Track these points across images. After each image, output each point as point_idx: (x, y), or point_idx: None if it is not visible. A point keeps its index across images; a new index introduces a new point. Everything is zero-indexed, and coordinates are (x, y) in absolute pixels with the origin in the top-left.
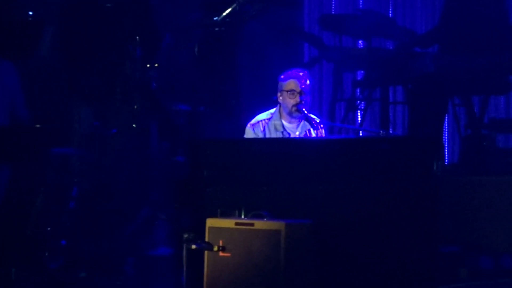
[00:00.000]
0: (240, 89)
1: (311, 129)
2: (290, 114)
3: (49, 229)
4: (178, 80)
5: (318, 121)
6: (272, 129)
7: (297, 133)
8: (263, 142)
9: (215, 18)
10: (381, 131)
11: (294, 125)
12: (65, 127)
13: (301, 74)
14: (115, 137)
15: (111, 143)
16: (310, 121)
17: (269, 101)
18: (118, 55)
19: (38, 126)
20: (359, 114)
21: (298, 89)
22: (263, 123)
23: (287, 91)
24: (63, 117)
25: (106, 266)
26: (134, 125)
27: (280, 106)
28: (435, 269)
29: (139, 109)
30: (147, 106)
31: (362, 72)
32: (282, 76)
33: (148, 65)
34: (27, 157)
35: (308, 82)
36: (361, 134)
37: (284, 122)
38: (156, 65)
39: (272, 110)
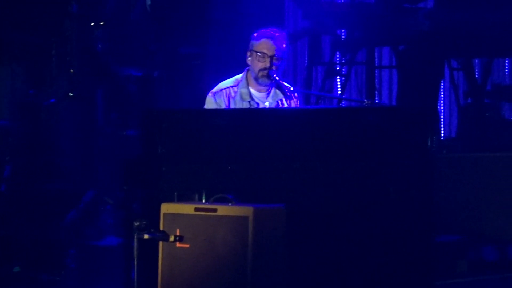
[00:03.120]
0: (205, 51)
1: (283, 99)
2: (256, 79)
3: None
4: (128, 40)
5: (291, 89)
6: (237, 98)
7: (267, 103)
8: (228, 113)
9: None
10: (366, 100)
11: (264, 94)
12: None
13: (277, 34)
14: (53, 108)
15: (49, 115)
16: (282, 89)
17: (242, 66)
18: (54, 11)
19: None
20: (339, 80)
21: (271, 52)
22: (227, 92)
23: (257, 52)
24: None
25: (44, 259)
26: (71, 94)
27: (247, 72)
28: (431, 262)
29: (78, 74)
30: (91, 71)
31: (343, 31)
32: (255, 34)
33: (92, 24)
34: None
35: (284, 45)
36: (342, 104)
37: (252, 90)
38: (102, 23)
39: (238, 76)
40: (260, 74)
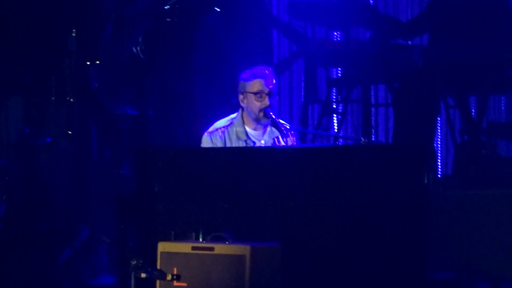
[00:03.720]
0: (196, 90)
1: (279, 137)
2: (256, 119)
3: None
4: (123, 79)
5: (288, 127)
6: (233, 137)
7: (263, 141)
8: (224, 152)
9: (165, 7)
10: (362, 138)
11: (260, 132)
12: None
13: (266, 72)
14: (49, 146)
15: (45, 153)
16: (278, 127)
17: (230, 104)
18: (54, 49)
19: None
20: (335, 118)
21: (266, 90)
22: (223, 131)
23: (254, 93)
24: None
25: None
26: (69, 132)
27: (242, 111)
28: None
29: (76, 113)
30: (87, 109)
31: (338, 69)
32: (244, 75)
33: (88, 63)
34: None
35: (274, 81)
36: (338, 142)
37: (248, 129)
38: (97, 62)
39: (233, 115)
40: (262, 114)
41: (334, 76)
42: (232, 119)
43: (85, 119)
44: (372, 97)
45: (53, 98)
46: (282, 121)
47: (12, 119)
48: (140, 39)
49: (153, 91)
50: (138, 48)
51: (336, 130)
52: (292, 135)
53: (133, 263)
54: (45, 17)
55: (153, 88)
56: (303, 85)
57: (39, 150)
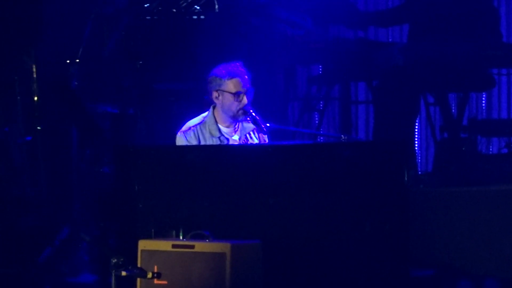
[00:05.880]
0: (178, 88)
1: (251, 133)
2: (234, 117)
3: None
4: (103, 77)
5: (268, 125)
6: (207, 135)
7: (236, 137)
8: (202, 150)
9: (145, 5)
10: (342, 136)
11: (231, 129)
12: None
13: (241, 69)
14: (29, 145)
15: (25, 151)
16: (258, 122)
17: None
18: (15, 49)
19: None
20: (316, 115)
21: (244, 89)
22: (196, 129)
23: (232, 94)
24: None
25: None
26: (38, 128)
27: (213, 108)
28: None
29: (45, 110)
30: (66, 107)
31: (318, 66)
32: (218, 72)
33: (68, 61)
34: None
35: (246, 77)
36: (319, 139)
37: (221, 126)
38: (77, 60)
39: (204, 114)
40: (240, 112)
41: (314, 74)
42: (204, 117)
43: (64, 116)
44: (352, 94)
45: (18, 97)
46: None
47: None
48: (123, 37)
49: (133, 90)
50: (119, 43)
51: (316, 128)
52: (265, 131)
53: (113, 261)
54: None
55: (133, 87)
56: (282, 82)
57: (19, 149)
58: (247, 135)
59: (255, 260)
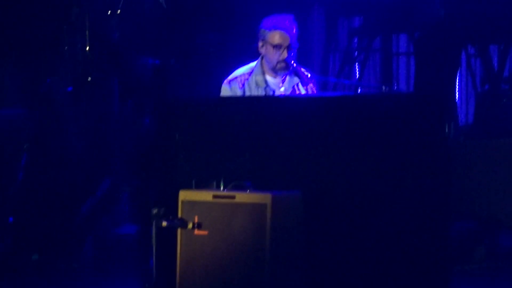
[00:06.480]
0: (223, 39)
1: (299, 84)
2: (274, 70)
3: None
4: (144, 29)
5: (308, 75)
6: (253, 85)
7: (283, 88)
8: (244, 101)
9: None
10: (383, 87)
11: (279, 80)
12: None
13: (287, 23)
14: (71, 96)
15: (67, 103)
16: (300, 75)
17: (251, 53)
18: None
19: None
20: (357, 67)
21: (286, 43)
22: (242, 79)
23: (273, 46)
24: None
25: (62, 247)
26: (89, 78)
27: (261, 59)
28: (448, 249)
29: (92, 61)
30: (107, 59)
31: (360, 17)
32: (264, 23)
33: (108, 12)
34: None
35: (294, 31)
36: (359, 91)
37: (268, 77)
38: (118, 12)
39: (253, 64)
40: (279, 66)
41: (356, 25)
42: (252, 67)
43: (106, 68)
44: (394, 46)
45: (66, 48)
46: (303, 69)
47: (25, 70)
48: None
49: (175, 41)
50: None
51: (357, 79)
52: (313, 83)
53: (154, 212)
54: None
55: (175, 38)
56: (324, 34)
57: (61, 99)
58: (295, 86)
59: (295, 211)
